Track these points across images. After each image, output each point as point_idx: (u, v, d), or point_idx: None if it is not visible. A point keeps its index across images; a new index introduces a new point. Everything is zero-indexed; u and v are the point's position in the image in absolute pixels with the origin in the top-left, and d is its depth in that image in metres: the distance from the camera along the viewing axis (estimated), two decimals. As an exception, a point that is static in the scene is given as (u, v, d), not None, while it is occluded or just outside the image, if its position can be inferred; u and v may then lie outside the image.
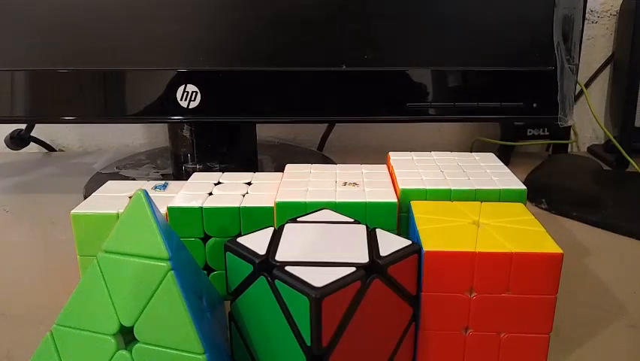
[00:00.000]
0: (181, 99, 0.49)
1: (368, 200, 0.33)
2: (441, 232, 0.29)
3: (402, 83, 0.50)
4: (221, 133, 0.55)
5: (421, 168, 0.38)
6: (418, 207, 0.32)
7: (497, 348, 0.28)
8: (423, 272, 0.27)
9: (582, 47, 0.50)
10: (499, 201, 0.33)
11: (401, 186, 0.34)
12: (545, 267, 0.27)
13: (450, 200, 0.34)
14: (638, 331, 0.33)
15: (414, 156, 0.41)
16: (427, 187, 0.34)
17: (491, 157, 0.41)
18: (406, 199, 0.34)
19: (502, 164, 0.39)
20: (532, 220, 0.30)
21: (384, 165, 0.40)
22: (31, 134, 0.68)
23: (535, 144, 0.70)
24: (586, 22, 0.52)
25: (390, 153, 0.41)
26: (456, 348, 0.28)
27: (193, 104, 0.49)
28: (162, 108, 0.49)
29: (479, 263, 0.27)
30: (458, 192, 0.34)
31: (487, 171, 0.37)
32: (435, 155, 0.41)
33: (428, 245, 0.27)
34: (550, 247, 0.27)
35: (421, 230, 0.29)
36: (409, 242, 0.27)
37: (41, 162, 0.70)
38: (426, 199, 0.34)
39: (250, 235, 0.28)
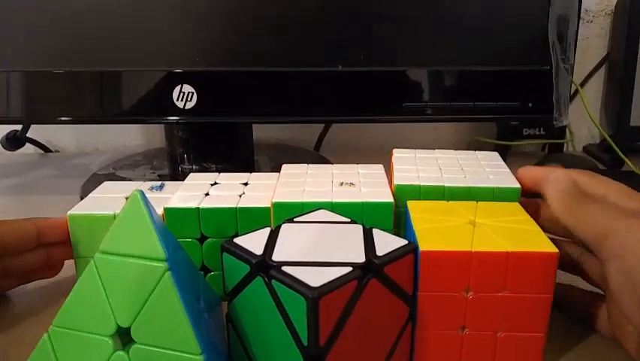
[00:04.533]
0: (177, 100, 0.48)
1: (364, 200, 0.33)
2: (437, 231, 0.29)
3: (398, 83, 0.50)
4: (217, 133, 0.55)
5: (420, 165, 0.38)
6: (414, 207, 0.32)
7: (494, 347, 0.28)
8: (419, 272, 0.27)
9: (577, 47, 0.50)
10: (492, 199, 0.34)
11: (396, 181, 0.34)
12: (541, 266, 0.27)
13: (444, 197, 0.34)
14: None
15: (417, 153, 0.41)
16: (422, 183, 0.34)
17: (494, 156, 0.40)
18: (400, 194, 0.34)
19: (502, 163, 0.39)
20: (528, 220, 0.30)
21: (381, 165, 0.40)
22: (27, 135, 0.68)
23: (531, 143, 0.71)
24: (581, 21, 0.53)
25: (394, 150, 0.41)
26: (453, 347, 0.29)
27: (189, 105, 0.49)
28: (158, 109, 0.49)
29: (475, 262, 0.27)
30: (452, 189, 0.34)
31: (486, 169, 0.37)
32: (438, 152, 0.41)
33: (424, 245, 0.27)
34: (546, 246, 0.27)
35: (418, 230, 0.29)
36: (406, 242, 0.27)
37: (37, 163, 0.70)
38: (420, 195, 0.34)
39: (247, 235, 0.28)
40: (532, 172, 0.34)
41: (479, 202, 0.33)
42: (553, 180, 0.32)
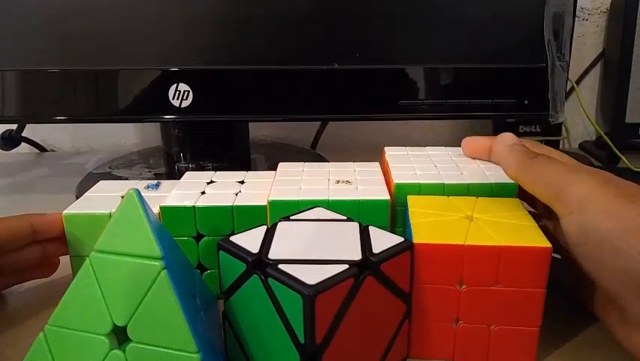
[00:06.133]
0: (173, 98, 0.48)
1: (361, 198, 0.33)
2: (433, 225, 0.29)
3: (394, 81, 0.50)
4: (213, 132, 0.55)
5: (415, 162, 0.38)
6: (413, 202, 0.32)
7: (487, 340, 0.28)
8: (414, 264, 0.27)
9: (573, 44, 0.50)
10: (491, 195, 0.34)
11: (395, 180, 0.34)
12: (534, 261, 0.27)
13: (443, 194, 0.34)
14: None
15: (409, 150, 0.41)
16: (421, 181, 0.34)
17: None
18: (400, 193, 0.34)
19: None
20: (525, 215, 0.30)
21: (377, 163, 0.40)
22: (23, 134, 0.68)
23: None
24: (576, 19, 0.53)
25: (386, 148, 0.41)
26: (447, 340, 0.29)
27: (185, 104, 0.49)
28: (154, 107, 0.49)
29: (468, 256, 0.27)
30: (451, 186, 0.34)
31: (481, 165, 0.37)
32: (430, 150, 0.41)
33: (418, 238, 0.27)
34: (540, 241, 0.27)
35: (414, 223, 0.29)
36: (402, 239, 0.27)
37: (33, 163, 0.69)
38: (420, 193, 0.34)
39: (243, 233, 0.28)
40: (477, 142, 0.38)
41: (479, 198, 0.33)
42: (500, 140, 0.33)
